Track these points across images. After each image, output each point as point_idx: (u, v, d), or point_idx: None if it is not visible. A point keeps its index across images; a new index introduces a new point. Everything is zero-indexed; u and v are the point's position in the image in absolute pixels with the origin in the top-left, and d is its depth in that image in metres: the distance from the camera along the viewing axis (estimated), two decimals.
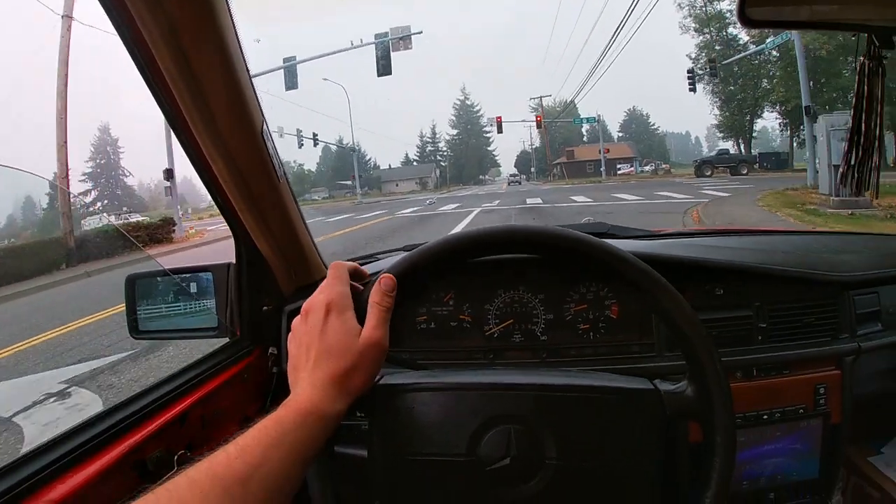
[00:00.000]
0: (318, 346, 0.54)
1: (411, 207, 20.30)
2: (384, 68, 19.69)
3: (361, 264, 1.09)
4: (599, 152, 43.53)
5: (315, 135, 31.84)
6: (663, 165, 47.64)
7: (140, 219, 16.51)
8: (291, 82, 20.42)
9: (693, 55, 33.89)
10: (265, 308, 0.99)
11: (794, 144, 30.52)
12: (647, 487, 0.59)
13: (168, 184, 15.62)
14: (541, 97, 60.26)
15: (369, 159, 72.25)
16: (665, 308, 0.60)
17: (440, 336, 1.00)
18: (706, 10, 32.19)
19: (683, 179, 25.40)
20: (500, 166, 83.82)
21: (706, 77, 27.98)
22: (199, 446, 0.79)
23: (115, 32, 0.64)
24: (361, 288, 0.60)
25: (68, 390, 3.43)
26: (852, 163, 0.87)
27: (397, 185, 62.58)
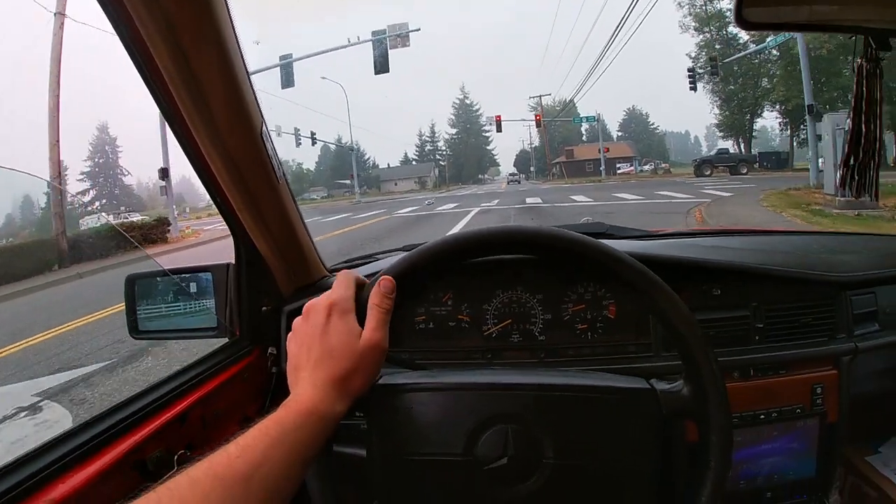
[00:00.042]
0: (320, 347, 0.54)
1: (409, 207, 20.21)
2: (381, 66, 19.53)
3: (360, 265, 1.10)
4: (599, 151, 43.48)
5: (313, 133, 31.66)
6: (663, 165, 47.51)
7: (139, 218, 16.38)
8: (288, 80, 20.20)
9: (693, 54, 33.97)
10: (264, 308, 0.99)
11: (795, 144, 30.55)
12: (644, 486, 0.59)
13: (163, 183, 15.41)
14: (540, 96, 60.45)
15: (368, 158, 72.19)
16: (661, 308, 0.60)
17: (438, 336, 1.00)
18: (706, 9, 32.20)
19: (684, 179, 25.32)
20: (499, 165, 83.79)
21: (706, 76, 27.97)
22: (198, 446, 0.79)
23: (113, 31, 0.64)
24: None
25: (40, 404, 3.24)
26: (852, 164, 0.88)
27: (396, 185, 62.54)
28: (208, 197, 0.87)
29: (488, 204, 17.62)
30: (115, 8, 0.60)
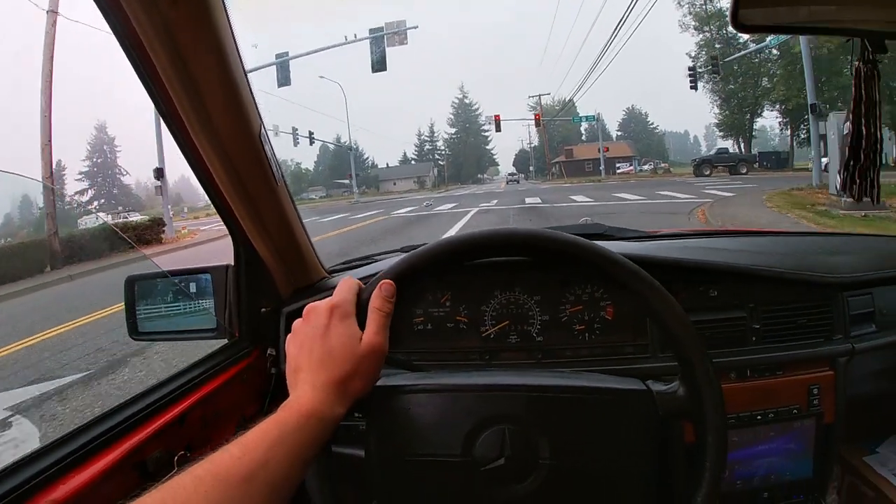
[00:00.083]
0: (320, 349, 0.55)
1: (407, 207, 20.15)
2: (379, 64, 19.38)
3: (359, 266, 1.10)
4: (599, 151, 43.49)
5: (311, 133, 31.51)
6: (662, 165, 47.53)
7: (139, 218, 16.26)
8: (284, 78, 20.03)
9: (693, 53, 33.98)
10: (263, 310, 0.99)
11: (794, 144, 30.56)
12: (641, 487, 0.60)
13: (159, 183, 15.26)
14: (539, 95, 60.32)
15: (367, 158, 72.13)
16: (656, 310, 0.61)
17: (437, 337, 1.01)
18: (706, 9, 32.24)
19: (684, 179, 25.29)
20: (498, 165, 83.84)
21: (706, 75, 27.96)
22: (198, 447, 0.80)
23: (111, 32, 0.64)
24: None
25: (11, 419, 3.11)
26: (851, 168, 0.88)
27: (395, 184, 62.52)
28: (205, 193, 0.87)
29: (487, 204, 17.57)
30: (113, 11, 0.61)
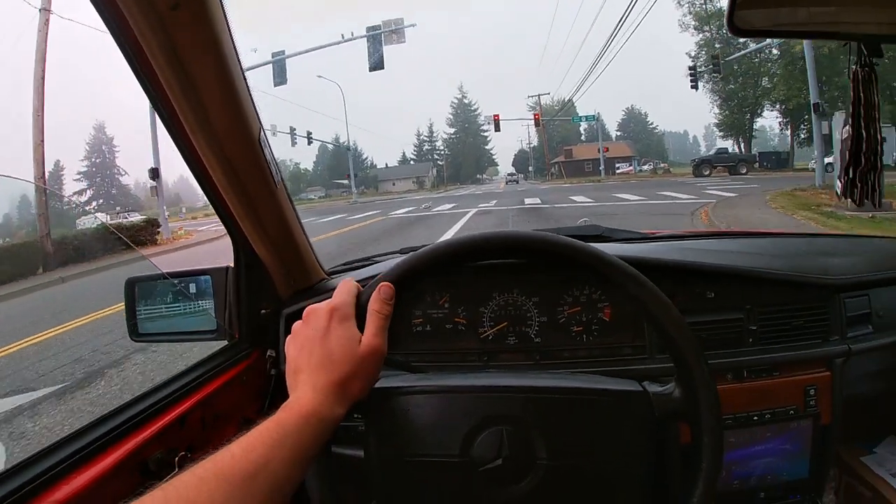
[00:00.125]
0: (320, 351, 0.55)
1: (406, 208, 20.09)
2: (376, 62, 19.26)
3: (358, 268, 1.10)
4: (598, 151, 43.49)
5: (309, 133, 31.29)
6: (662, 165, 47.54)
7: (139, 218, 16.13)
8: (281, 77, 19.89)
9: (693, 53, 33.97)
10: (263, 311, 1.00)
11: (795, 144, 30.56)
12: (637, 487, 0.60)
13: (154, 183, 15.02)
14: (539, 95, 60.48)
15: (366, 158, 72.19)
16: (652, 312, 0.61)
17: (435, 338, 1.01)
18: (706, 8, 32.21)
19: (684, 179, 25.24)
20: (497, 165, 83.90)
21: (706, 75, 27.96)
22: (199, 448, 0.80)
23: (108, 32, 0.64)
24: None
25: None
26: (851, 174, 0.88)
27: (394, 185, 62.52)
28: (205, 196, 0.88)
29: (486, 205, 17.51)
30: (110, 11, 0.61)
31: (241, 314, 0.98)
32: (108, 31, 0.64)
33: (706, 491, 0.57)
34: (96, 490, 0.64)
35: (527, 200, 18.04)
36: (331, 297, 0.59)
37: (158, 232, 13.68)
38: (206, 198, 0.86)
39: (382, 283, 0.60)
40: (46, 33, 10.77)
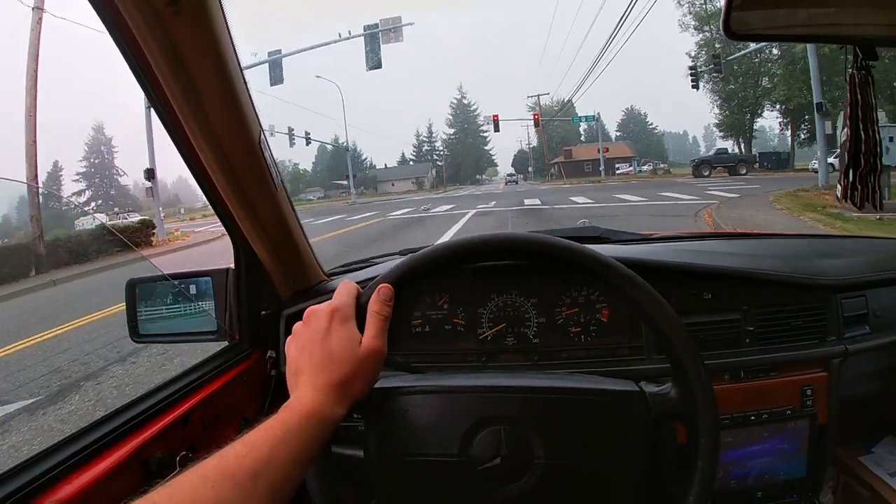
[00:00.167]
0: (321, 351, 0.56)
1: (404, 209, 20.02)
2: (374, 61, 19.19)
3: (358, 269, 1.11)
4: (598, 151, 43.46)
5: (307, 133, 31.28)
6: (662, 165, 47.49)
7: (139, 219, 16.00)
8: (277, 77, 19.79)
9: (693, 53, 33.94)
10: (263, 312, 1.00)
11: (795, 144, 30.55)
12: (633, 486, 0.61)
13: (149, 184, 14.82)
14: (538, 95, 60.50)
15: (365, 159, 72.12)
16: (648, 313, 0.62)
17: (435, 339, 1.02)
18: (706, 8, 32.14)
19: (685, 180, 25.15)
20: (497, 166, 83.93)
21: (706, 75, 27.95)
22: (200, 448, 0.81)
23: (107, 32, 0.64)
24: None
25: None
26: (851, 177, 0.88)
27: (393, 185, 62.50)
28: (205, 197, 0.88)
29: (485, 206, 17.45)
30: (108, 10, 0.61)
31: (241, 315, 0.98)
32: (107, 31, 0.64)
33: (702, 491, 0.58)
34: (99, 489, 0.64)
35: (526, 201, 17.98)
36: (331, 298, 0.60)
37: (153, 233, 13.51)
38: (205, 199, 0.87)
39: (382, 285, 0.60)
40: (39, 32, 10.69)
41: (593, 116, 44.61)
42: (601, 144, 44.96)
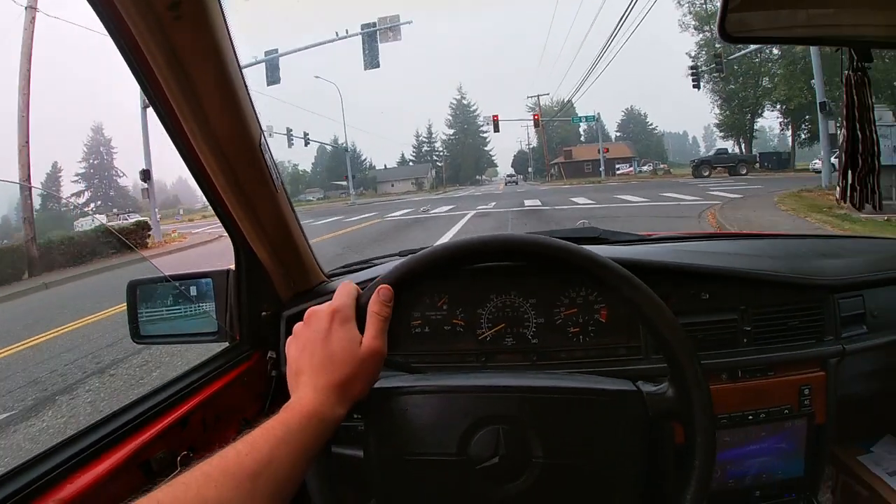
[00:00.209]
0: (322, 352, 0.56)
1: (403, 210, 19.95)
2: (372, 61, 19.08)
3: (357, 270, 1.11)
4: (598, 152, 43.34)
5: (306, 134, 31.09)
6: (662, 165, 47.50)
7: (135, 220, 15.90)
8: (274, 76, 19.62)
9: (693, 53, 33.89)
10: (264, 313, 1.01)
11: (796, 144, 30.51)
12: (630, 485, 0.61)
13: (145, 185, 14.66)
14: (538, 96, 60.40)
15: (365, 159, 71.98)
16: (645, 313, 0.62)
17: (434, 340, 1.02)
18: (706, 8, 32.10)
19: (686, 180, 25.07)
20: (496, 166, 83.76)
21: (706, 75, 27.91)
22: (200, 448, 0.81)
23: (107, 33, 0.64)
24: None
25: None
26: (850, 178, 0.88)
27: (393, 186, 62.44)
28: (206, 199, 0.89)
29: (485, 207, 17.40)
30: (108, 11, 0.61)
31: (241, 316, 0.99)
32: (108, 34, 0.64)
33: (699, 490, 0.58)
34: (100, 489, 0.65)
35: (526, 202, 17.92)
36: (331, 299, 0.60)
37: (149, 235, 13.39)
38: (205, 200, 0.87)
39: (382, 286, 0.61)
40: (32, 32, 10.68)
41: (593, 117, 44.57)
42: (601, 145, 44.86)
